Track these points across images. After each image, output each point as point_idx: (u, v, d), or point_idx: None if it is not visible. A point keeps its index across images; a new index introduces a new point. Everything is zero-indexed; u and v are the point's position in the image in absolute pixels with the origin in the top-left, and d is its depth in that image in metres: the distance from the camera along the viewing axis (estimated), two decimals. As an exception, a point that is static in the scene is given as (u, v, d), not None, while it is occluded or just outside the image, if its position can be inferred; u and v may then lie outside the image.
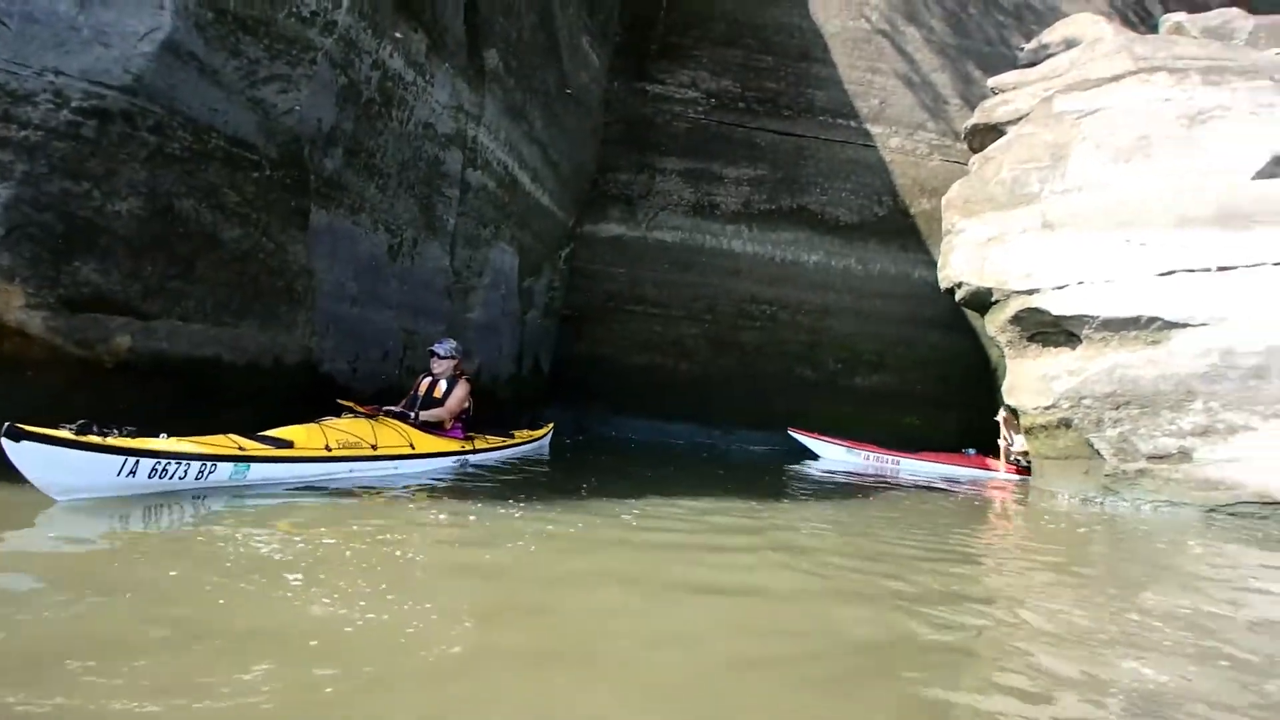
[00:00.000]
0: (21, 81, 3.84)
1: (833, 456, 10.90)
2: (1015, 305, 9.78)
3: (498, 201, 8.52)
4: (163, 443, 3.85)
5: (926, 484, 9.74)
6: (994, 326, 10.25)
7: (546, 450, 8.49)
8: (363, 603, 2.59)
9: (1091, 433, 8.82)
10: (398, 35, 5.96)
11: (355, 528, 3.81)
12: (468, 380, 6.56)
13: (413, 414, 6.03)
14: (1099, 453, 8.78)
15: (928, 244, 12.50)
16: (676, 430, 11.41)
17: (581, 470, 7.46)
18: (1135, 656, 2.84)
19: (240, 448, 4.25)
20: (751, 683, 2.34)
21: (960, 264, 10.52)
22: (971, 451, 11.21)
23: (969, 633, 3.09)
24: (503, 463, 6.95)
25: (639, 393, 11.57)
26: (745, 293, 12.20)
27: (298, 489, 4.50)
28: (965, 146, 12.24)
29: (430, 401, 6.29)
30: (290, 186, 5.24)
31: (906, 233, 12.62)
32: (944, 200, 11.30)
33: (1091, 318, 8.99)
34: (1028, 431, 9.87)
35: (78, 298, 4.08)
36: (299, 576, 2.84)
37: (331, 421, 5.11)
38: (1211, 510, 7.87)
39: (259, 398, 5.08)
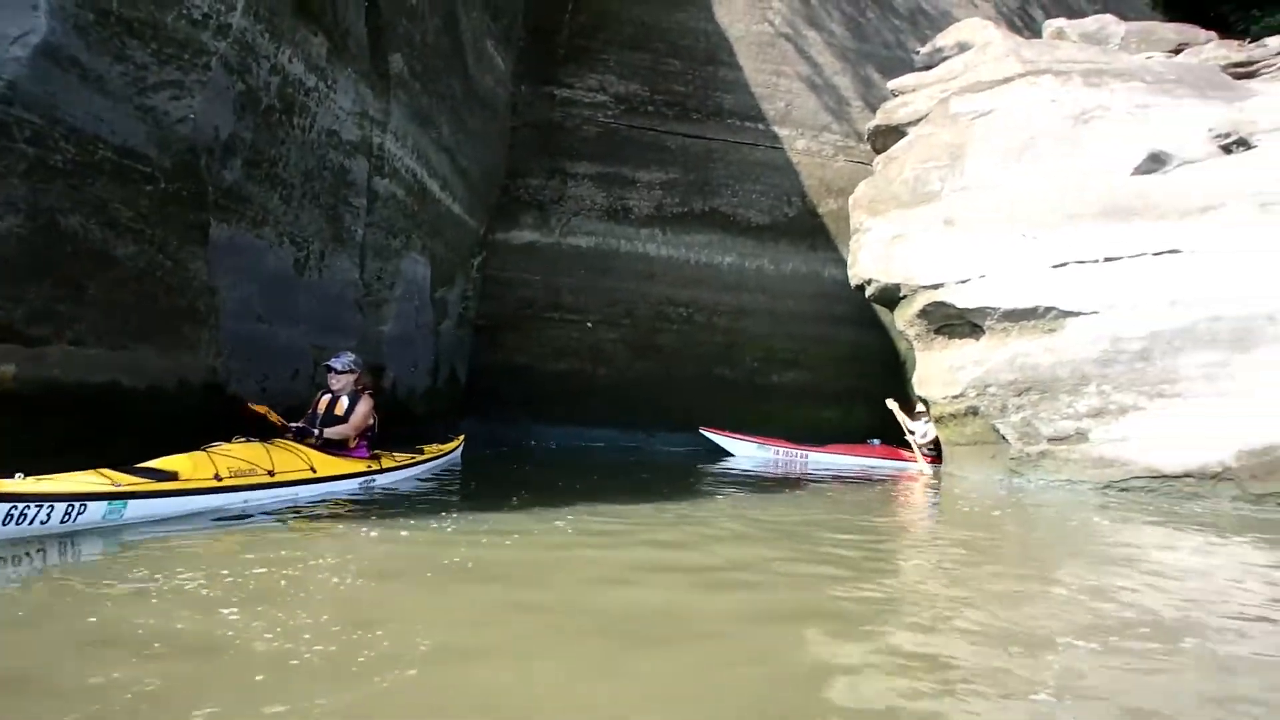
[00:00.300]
0: (-125, 90, 3.50)
1: (744, 453, 11.08)
2: (922, 300, 10.14)
3: (407, 210, 8.28)
4: (18, 484, 3.42)
5: (846, 475, 10.00)
6: (903, 321, 10.60)
7: (459, 464, 8.23)
8: (307, 635, 2.46)
9: (997, 419, 9.22)
10: (295, 39, 5.70)
11: (284, 554, 3.61)
12: (370, 395, 6.12)
13: (316, 431, 5.63)
14: (1004, 438, 9.20)
15: (836, 243, 12.82)
16: (599, 436, 11.35)
17: (507, 483, 7.32)
18: (1025, 603, 3.28)
19: (114, 483, 3.82)
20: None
21: (869, 262, 10.84)
22: (876, 442, 11.53)
23: (893, 604, 3.44)
24: (415, 480, 6.65)
25: (559, 400, 11.46)
26: (661, 296, 12.25)
27: (210, 525, 4.13)
28: (868, 147, 12.64)
29: (331, 420, 5.83)
30: (187, 200, 4.94)
31: (816, 232, 12.93)
32: (851, 200, 11.63)
33: (993, 309, 9.40)
34: (938, 420, 10.25)
35: (-51, 325, 3.74)
36: (235, 611, 2.67)
37: (221, 448, 4.67)
38: (1106, 486, 8.34)
39: (163, 424, 4.75)
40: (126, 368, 4.61)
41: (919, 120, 11.54)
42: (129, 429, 4.51)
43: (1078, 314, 8.90)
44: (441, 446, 7.94)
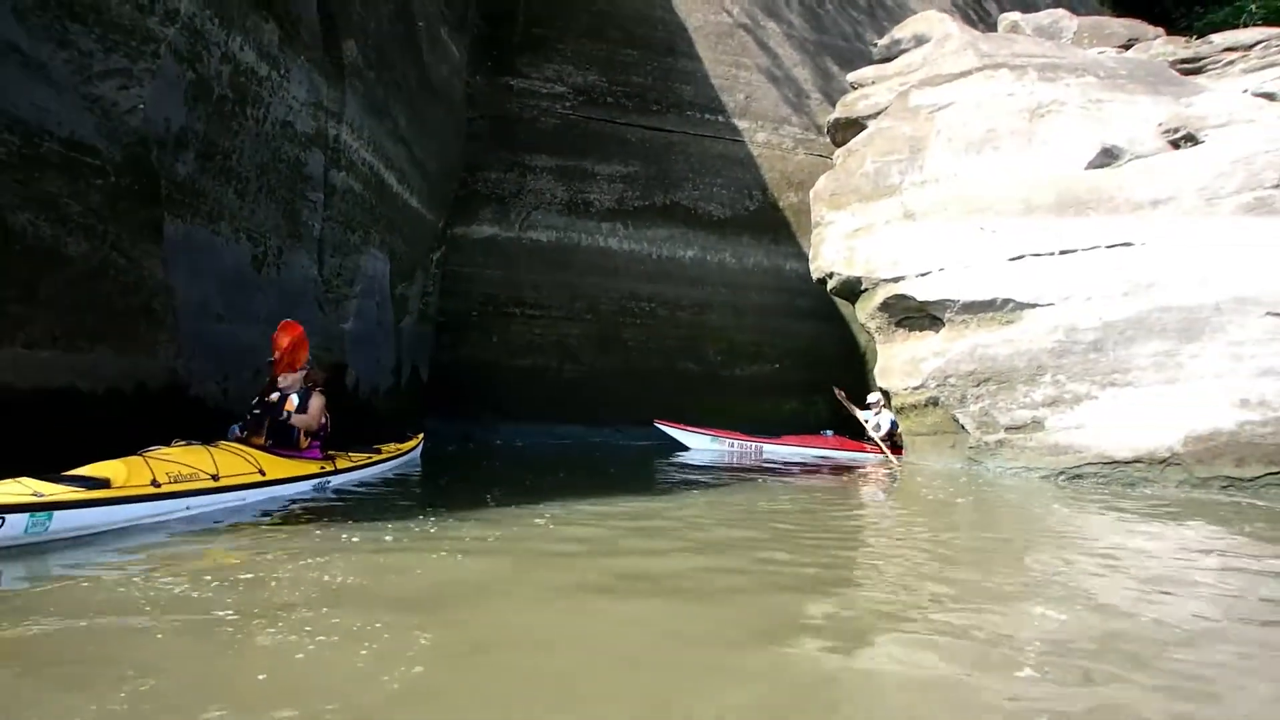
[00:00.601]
0: None
1: (698, 445, 11.03)
2: (883, 293, 10.24)
3: (366, 204, 8.07)
4: None
5: (812, 467, 10.05)
6: (864, 313, 10.70)
7: (418, 463, 7.97)
8: (308, 628, 2.42)
9: (957, 409, 9.36)
10: (246, 25, 5.50)
11: (270, 557, 3.46)
12: (321, 392, 5.81)
13: (284, 417, 5.40)
14: (964, 427, 9.34)
15: (797, 236, 12.88)
16: (566, 432, 11.25)
17: (471, 482, 7.20)
18: (975, 568, 3.49)
19: (37, 493, 3.40)
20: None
21: (831, 255, 10.91)
22: (829, 433, 11.59)
23: (869, 582, 3.58)
24: (373, 481, 6.34)
25: (524, 396, 11.32)
26: (625, 290, 12.17)
27: (151, 535, 3.79)
28: (828, 140, 12.71)
29: (279, 422, 5.51)
30: (139, 194, 4.72)
31: (777, 226, 12.96)
32: (812, 193, 11.68)
33: (952, 301, 9.53)
34: (899, 411, 10.37)
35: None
36: (232, 613, 2.60)
37: (159, 451, 4.31)
38: (1061, 473, 8.51)
39: (124, 429, 4.55)
40: (83, 371, 4.41)
41: (879, 113, 11.62)
42: (88, 435, 4.30)
43: (1034, 305, 9.06)
44: (399, 446, 7.64)
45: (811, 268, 11.35)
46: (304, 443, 5.66)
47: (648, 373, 12.01)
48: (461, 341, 11.38)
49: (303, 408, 5.59)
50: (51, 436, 4.13)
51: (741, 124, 13.02)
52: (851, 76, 12.48)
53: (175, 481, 4.16)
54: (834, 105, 13.00)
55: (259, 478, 4.86)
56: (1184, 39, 12.65)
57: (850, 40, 14.02)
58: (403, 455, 7.58)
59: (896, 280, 10.08)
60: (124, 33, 4.48)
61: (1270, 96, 9.79)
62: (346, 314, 8.03)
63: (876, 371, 10.52)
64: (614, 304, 12.10)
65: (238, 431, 5.42)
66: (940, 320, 9.75)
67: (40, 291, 4.20)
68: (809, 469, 9.75)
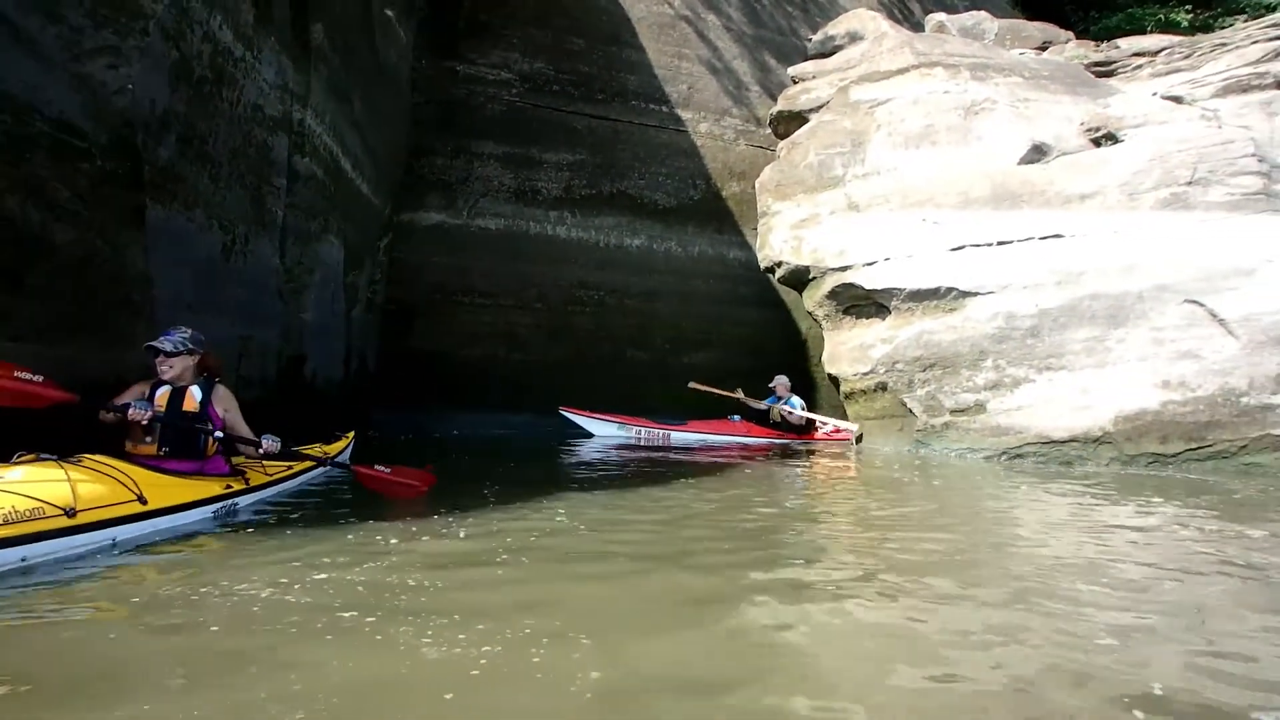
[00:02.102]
0: None
1: (605, 433, 10.84)
2: (831, 281, 10.60)
3: (326, 192, 7.81)
4: None
5: (745, 452, 10.14)
6: (812, 302, 11.04)
7: (349, 466, 6.55)
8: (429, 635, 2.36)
9: (904, 393, 9.80)
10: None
11: (324, 575, 3.01)
12: (222, 383, 4.54)
13: (215, 431, 4.26)
14: (911, 411, 9.79)
15: (740, 226, 13.15)
16: (517, 422, 11.17)
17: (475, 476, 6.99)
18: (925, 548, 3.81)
19: None
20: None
21: (779, 244, 11.20)
22: (736, 418, 11.56)
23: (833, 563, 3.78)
24: (296, 494, 5.06)
25: (474, 386, 11.19)
26: (574, 279, 12.16)
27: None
28: (769, 132, 13.01)
29: (183, 420, 4.25)
30: (123, 179, 4.47)
31: (721, 215, 13.19)
32: (758, 183, 11.95)
33: (899, 290, 9.95)
34: (847, 397, 10.76)
35: None
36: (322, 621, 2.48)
37: None
38: (1003, 453, 9.03)
39: (102, 427, 4.30)
40: (66, 365, 4.15)
41: (820, 107, 11.98)
42: (68, 432, 4.06)
43: (976, 294, 9.56)
44: (326, 448, 6.29)
45: (759, 256, 11.62)
46: (210, 450, 4.39)
47: (598, 361, 12.06)
48: (409, 330, 11.16)
49: (207, 403, 4.33)
50: (26, 435, 3.80)
51: (685, 114, 13.17)
52: (792, 70, 12.80)
53: (7, 523, 2.94)
54: (773, 98, 13.31)
55: (137, 508, 3.56)
56: (1093, 44, 13.51)
57: (786, 35, 14.35)
58: (331, 460, 5.82)
59: (844, 269, 10.44)
60: (113, 7, 4.22)
61: (1178, 100, 10.60)
62: (306, 304, 7.77)
63: (825, 358, 10.87)
64: (563, 292, 12.08)
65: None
66: (886, 308, 10.16)
67: (27, 282, 3.94)
68: (760, 453, 9.90)
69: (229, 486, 4.30)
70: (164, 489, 3.80)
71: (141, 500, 3.59)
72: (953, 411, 9.51)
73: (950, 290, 9.68)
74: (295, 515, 4.28)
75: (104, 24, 4.17)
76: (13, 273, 3.79)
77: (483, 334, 11.57)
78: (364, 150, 9.22)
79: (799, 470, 8.40)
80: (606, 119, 12.62)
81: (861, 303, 10.46)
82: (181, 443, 4.22)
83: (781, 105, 12.47)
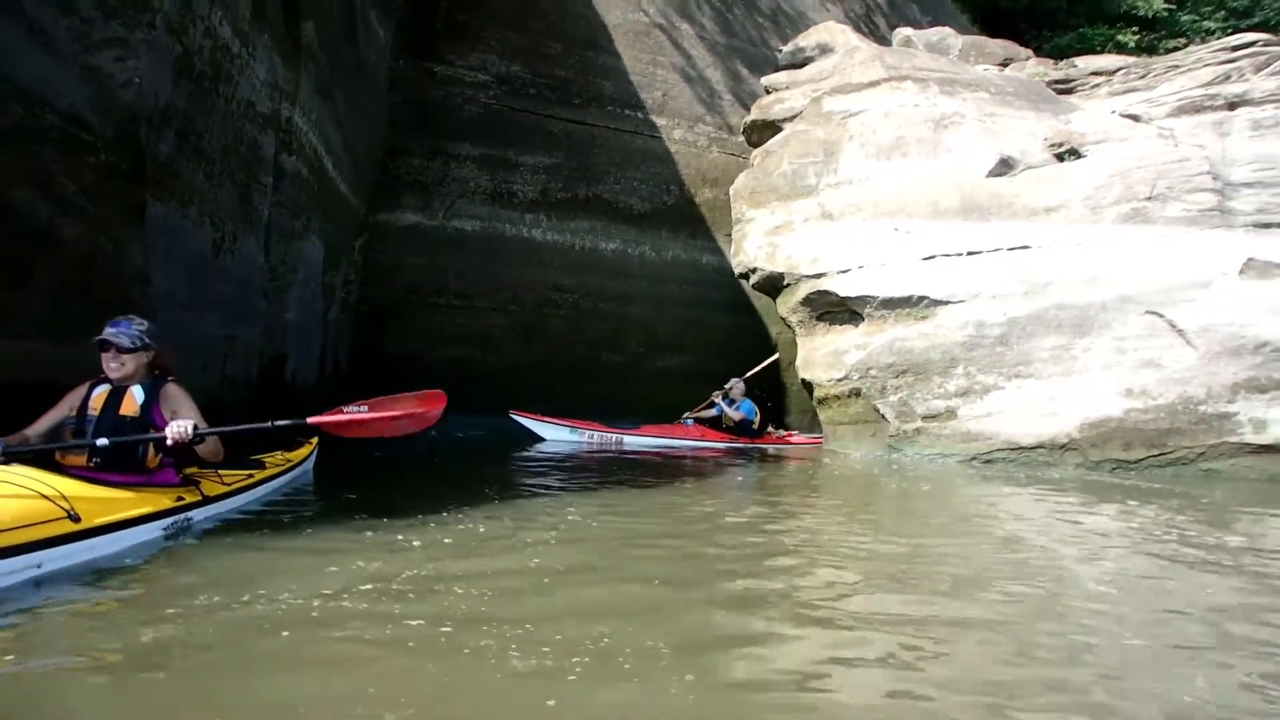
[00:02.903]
0: None
1: (556, 437, 10.67)
2: (805, 288, 10.78)
3: (310, 190, 7.73)
4: None
5: (708, 455, 10.24)
6: (785, 308, 11.21)
7: (310, 475, 6.07)
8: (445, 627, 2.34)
9: (877, 399, 10.01)
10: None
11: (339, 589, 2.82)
12: (175, 382, 3.90)
13: (180, 437, 3.55)
14: (884, 416, 10.01)
15: (712, 231, 13.32)
16: (488, 424, 11.09)
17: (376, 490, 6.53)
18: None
19: None
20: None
21: (753, 250, 11.35)
22: (689, 422, 11.54)
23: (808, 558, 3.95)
24: (259, 505, 4.55)
25: (447, 388, 11.04)
26: (549, 281, 12.18)
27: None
28: (741, 139, 13.19)
29: (120, 426, 3.56)
30: (126, 174, 4.38)
31: (694, 221, 13.34)
32: (732, 190, 12.10)
33: (872, 298, 10.18)
34: (821, 402, 10.95)
35: None
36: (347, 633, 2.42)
37: None
38: (973, 459, 9.30)
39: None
40: (67, 363, 4.05)
41: (793, 117, 12.18)
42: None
43: (947, 303, 9.83)
44: (289, 455, 5.69)
45: (734, 262, 11.76)
46: (153, 460, 3.71)
47: (572, 363, 12.09)
48: (384, 331, 11.04)
49: (151, 407, 3.69)
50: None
51: (659, 121, 13.29)
52: (766, 80, 12.99)
53: None
54: (745, 106, 13.50)
55: (68, 526, 2.97)
56: (1052, 61, 14.01)
57: (757, 45, 14.58)
58: (294, 468, 5.70)
59: (818, 276, 10.63)
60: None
61: (1135, 118, 11.06)
62: (289, 303, 7.67)
63: (799, 363, 11.05)
64: (538, 295, 12.09)
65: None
66: (860, 315, 10.37)
67: (34, 277, 3.85)
68: (712, 457, 9.92)
69: (180, 499, 3.72)
70: (101, 504, 3.22)
71: (73, 518, 2.98)
72: (924, 417, 9.75)
73: (922, 299, 9.94)
74: (257, 531, 3.79)
75: (113, 15, 4.10)
76: (21, 267, 3.70)
77: (457, 335, 11.52)
78: (344, 149, 9.13)
79: (795, 479, 8.60)
80: (583, 123, 12.67)
81: (835, 309, 10.66)
82: (117, 452, 3.52)
83: (755, 114, 12.65)
